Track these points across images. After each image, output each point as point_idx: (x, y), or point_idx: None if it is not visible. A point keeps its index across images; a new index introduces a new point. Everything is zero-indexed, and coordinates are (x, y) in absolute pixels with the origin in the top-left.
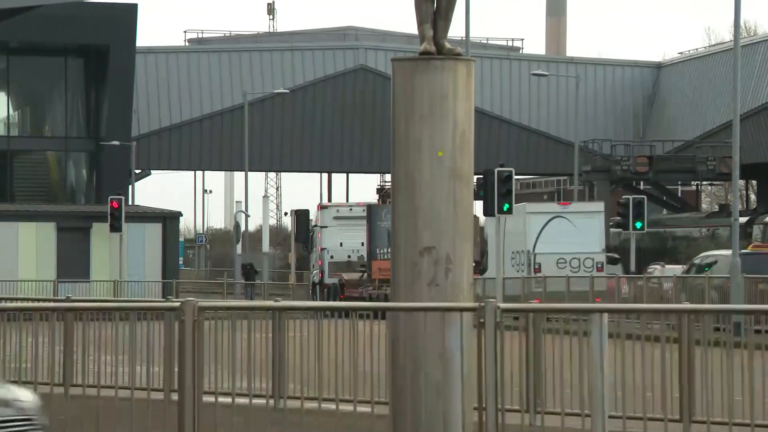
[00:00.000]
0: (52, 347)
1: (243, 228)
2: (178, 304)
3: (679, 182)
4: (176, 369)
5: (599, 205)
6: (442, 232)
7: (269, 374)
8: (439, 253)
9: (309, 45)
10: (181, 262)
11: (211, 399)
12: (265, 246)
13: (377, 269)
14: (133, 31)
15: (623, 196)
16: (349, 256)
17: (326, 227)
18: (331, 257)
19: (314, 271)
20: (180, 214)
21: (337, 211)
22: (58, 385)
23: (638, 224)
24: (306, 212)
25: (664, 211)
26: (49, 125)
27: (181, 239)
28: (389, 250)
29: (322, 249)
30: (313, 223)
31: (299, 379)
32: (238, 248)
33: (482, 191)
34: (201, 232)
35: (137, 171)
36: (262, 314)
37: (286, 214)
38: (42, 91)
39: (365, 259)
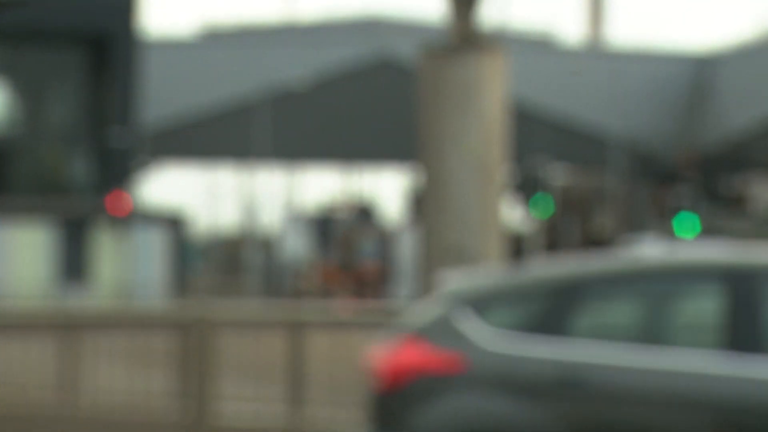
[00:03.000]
0: (56, 359)
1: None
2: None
3: (729, 179)
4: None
5: None
6: (468, 228)
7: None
8: (466, 249)
9: (330, 37)
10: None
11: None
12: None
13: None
14: (140, 18)
15: (666, 193)
16: None
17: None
18: None
19: None
20: (190, 212)
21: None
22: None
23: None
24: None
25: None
26: (50, 119)
27: (192, 239)
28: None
29: None
30: None
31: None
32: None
33: (515, 187)
34: (213, 231)
35: (146, 168)
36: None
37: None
38: (42, 82)
39: None
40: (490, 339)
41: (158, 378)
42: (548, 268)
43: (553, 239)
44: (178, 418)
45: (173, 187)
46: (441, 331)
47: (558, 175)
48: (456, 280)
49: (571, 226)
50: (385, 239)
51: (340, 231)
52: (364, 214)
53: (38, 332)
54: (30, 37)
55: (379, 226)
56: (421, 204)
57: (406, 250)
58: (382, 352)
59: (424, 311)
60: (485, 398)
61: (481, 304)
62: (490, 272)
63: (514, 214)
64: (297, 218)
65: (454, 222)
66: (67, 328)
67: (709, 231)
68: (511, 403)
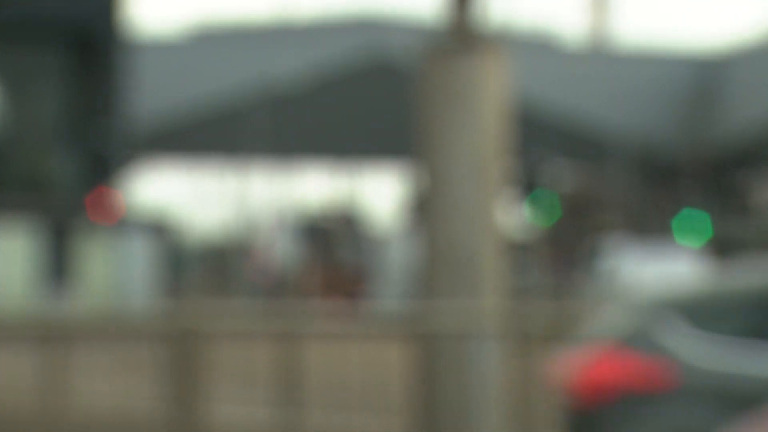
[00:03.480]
0: (41, 369)
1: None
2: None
3: (735, 179)
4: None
5: None
6: (467, 230)
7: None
8: (466, 251)
9: (325, 37)
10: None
11: None
12: None
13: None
14: (125, 15)
15: (671, 194)
16: None
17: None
18: None
19: None
20: (181, 213)
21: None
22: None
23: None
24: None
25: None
26: (34, 116)
27: (181, 241)
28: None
29: None
30: None
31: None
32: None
33: (514, 188)
34: (203, 234)
35: (135, 167)
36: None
37: None
38: (25, 78)
39: None
40: (703, 351)
41: (145, 389)
42: (762, 272)
43: (558, 241)
44: (167, 430)
45: (164, 187)
46: (644, 342)
47: (563, 176)
48: (655, 287)
49: (575, 227)
50: (377, 241)
51: (332, 233)
52: (356, 215)
53: (24, 342)
54: (12, 34)
55: (370, 228)
56: (419, 205)
57: (399, 252)
58: (575, 365)
59: (616, 320)
60: (700, 417)
61: (691, 312)
62: (695, 278)
63: (517, 217)
64: (288, 221)
65: (452, 224)
66: (53, 339)
67: (717, 234)
68: (729, 424)
